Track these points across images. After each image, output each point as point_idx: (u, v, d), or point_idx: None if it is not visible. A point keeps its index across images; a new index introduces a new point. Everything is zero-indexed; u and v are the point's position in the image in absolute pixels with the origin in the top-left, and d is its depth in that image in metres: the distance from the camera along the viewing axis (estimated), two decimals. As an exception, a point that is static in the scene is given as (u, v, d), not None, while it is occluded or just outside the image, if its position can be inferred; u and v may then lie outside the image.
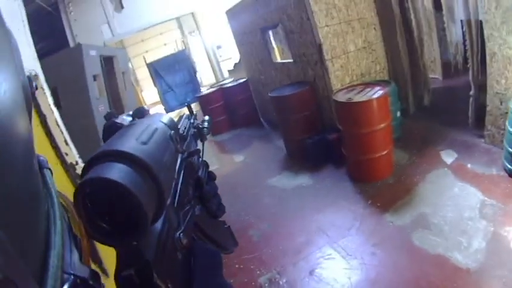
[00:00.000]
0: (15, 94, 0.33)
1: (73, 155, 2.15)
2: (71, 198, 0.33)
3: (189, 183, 0.60)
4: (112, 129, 0.50)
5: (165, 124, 0.49)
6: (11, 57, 0.35)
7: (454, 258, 2.25)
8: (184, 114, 0.79)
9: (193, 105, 9.12)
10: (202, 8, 9.09)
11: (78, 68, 4.89)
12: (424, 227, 2.61)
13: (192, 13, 9.13)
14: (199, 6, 9.00)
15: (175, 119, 0.76)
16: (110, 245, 0.35)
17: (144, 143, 0.39)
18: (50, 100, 2.09)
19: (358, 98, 3.25)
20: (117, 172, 0.33)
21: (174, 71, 9.36)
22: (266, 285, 2.54)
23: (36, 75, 1.97)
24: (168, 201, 0.43)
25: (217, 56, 10.32)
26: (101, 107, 5.17)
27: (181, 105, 9.42)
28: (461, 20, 4.24)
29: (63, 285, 0.32)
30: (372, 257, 2.50)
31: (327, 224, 3.00)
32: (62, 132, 2.11)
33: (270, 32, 5.30)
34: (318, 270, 2.53)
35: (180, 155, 0.55)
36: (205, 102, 6.69)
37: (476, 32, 3.31)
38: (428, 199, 2.92)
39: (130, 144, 0.37)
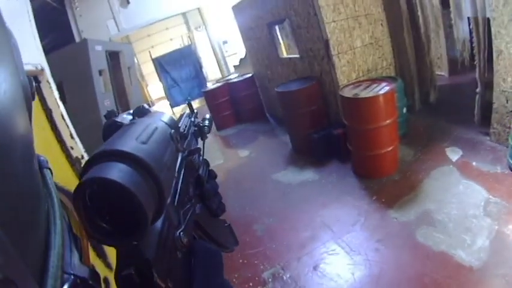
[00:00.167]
0: (15, 94, 0.33)
1: (78, 149, 2.16)
2: None
3: (189, 182, 0.60)
4: (112, 128, 0.50)
5: (166, 123, 0.49)
6: (11, 57, 0.35)
7: (457, 255, 2.25)
8: (185, 112, 0.79)
9: (198, 100, 9.14)
10: (208, 3, 9.05)
11: (84, 63, 4.89)
12: (428, 224, 2.60)
13: (198, 8, 9.09)
14: (206, 1, 8.95)
15: (180, 114, 0.76)
16: (110, 245, 0.35)
17: (144, 143, 0.38)
18: (56, 94, 2.10)
19: (365, 93, 3.23)
20: (117, 172, 0.32)
21: (179, 66, 9.32)
22: (270, 280, 2.55)
23: (42, 70, 1.98)
24: (168, 200, 0.43)
25: (223, 51, 10.30)
26: (106, 102, 5.18)
27: (186, 101, 9.34)
28: (468, 17, 4.18)
29: (63, 285, 0.33)
30: (375, 253, 2.50)
31: (332, 220, 3.01)
32: (68, 127, 2.12)
33: (277, 27, 5.25)
34: (321, 265, 2.54)
35: (180, 154, 0.55)
36: (211, 97, 6.68)
37: (483, 29, 3.27)
38: (432, 196, 2.91)
39: (130, 143, 0.37)
